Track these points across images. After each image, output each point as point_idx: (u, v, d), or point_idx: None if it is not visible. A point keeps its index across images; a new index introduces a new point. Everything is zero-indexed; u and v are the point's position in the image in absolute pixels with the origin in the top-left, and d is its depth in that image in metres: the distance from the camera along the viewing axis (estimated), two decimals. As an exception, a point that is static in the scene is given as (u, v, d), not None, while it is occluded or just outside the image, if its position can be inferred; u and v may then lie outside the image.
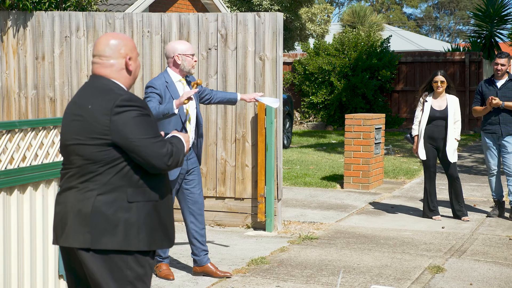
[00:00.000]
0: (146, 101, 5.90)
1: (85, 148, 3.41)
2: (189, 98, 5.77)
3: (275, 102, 6.79)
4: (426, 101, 8.89)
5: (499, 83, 9.00)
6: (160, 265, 6.35)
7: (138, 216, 3.42)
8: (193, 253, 6.37)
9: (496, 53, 24.75)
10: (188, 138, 3.69)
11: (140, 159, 3.40)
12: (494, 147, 8.99)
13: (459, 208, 9.01)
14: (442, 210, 9.33)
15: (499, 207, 9.20)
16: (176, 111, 5.78)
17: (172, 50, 6.11)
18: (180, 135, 3.66)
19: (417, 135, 8.92)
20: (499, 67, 8.96)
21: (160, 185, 3.52)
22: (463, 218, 8.96)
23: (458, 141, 8.89)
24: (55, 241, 3.55)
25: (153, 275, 6.15)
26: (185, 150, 3.62)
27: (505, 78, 9.03)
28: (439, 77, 8.84)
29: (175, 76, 6.14)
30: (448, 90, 8.94)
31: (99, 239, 3.36)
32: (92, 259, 3.39)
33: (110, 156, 3.39)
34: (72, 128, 3.47)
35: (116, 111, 3.37)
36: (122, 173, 3.41)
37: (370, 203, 10.12)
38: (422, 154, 8.88)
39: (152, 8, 16.51)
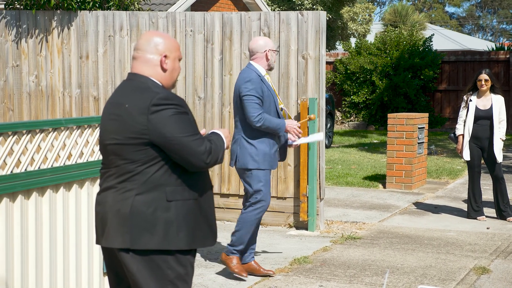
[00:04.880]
0: (249, 100, 6.06)
1: (123, 148, 3.41)
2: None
3: (318, 136, 6.88)
4: (471, 100, 8.77)
5: None
6: (232, 258, 6.29)
7: (177, 214, 3.40)
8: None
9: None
10: (228, 133, 3.66)
11: (178, 158, 3.38)
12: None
13: (504, 209, 8.87)
14: (486, 210, 9.19)
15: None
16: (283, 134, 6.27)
17: (263, 45, 6.23)
18: (220, 131, 3.64)
19: (462, 135, 8.80)
20: None
21: (200, 182, 3.50)
22: (508, 218, 8.83)
23: (503, 141, 8.75)
24: (97, 241, 3.56)
25: (228, 268, 6.24)
26: (225, 146, 3.60)
27: None
28: (483, 76, 8.71)
29: (262, 70, 6.23)
30: (493, 90, 8.80)
31: (139, 239, 3.35)
32: (132, 259, 3.38)
33: (148, 155, 3.38)
34: (110, 127, 3.47)
35: (153, 110, 3.35)
36: (161, 172, 3.39)
37: (413, 203, 10.02)
38: (466, 155, 8.76)
39: (193, 8, 16.57)
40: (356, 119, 22.86)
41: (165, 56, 3.51)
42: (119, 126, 3.41)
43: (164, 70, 3.52)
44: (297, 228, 8.24)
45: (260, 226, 8.31)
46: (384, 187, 11.34)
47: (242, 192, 8.10)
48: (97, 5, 9.46)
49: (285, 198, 8.28)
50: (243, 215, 6.26)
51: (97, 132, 5.16)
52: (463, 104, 8.84)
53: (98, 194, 3.55)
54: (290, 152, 8.16)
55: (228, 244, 6.34)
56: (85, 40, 8.90)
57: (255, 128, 6.09)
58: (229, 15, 8.37)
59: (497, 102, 8.72)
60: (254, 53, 6.24)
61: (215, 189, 8.35)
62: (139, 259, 3.37)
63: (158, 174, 3.39)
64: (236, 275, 6.26)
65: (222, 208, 8.45)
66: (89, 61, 8.88)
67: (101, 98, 8.83)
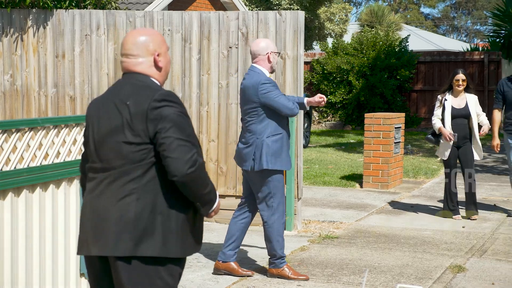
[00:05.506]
0: (275, 95, 6.05)
1: (123, 147, 3.29)
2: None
3: None
4: (446, 99, 8.82)
5: None
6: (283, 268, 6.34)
7: (177, 221, 3.30)
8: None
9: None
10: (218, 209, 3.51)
11: (163, 158, 3.24)
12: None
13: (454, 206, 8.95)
14: (462, 210, 9.26)
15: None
16: (308, 107, 6.37)
17: (265, 48, 6.19)
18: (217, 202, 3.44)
19: (441, 126, 8.74)
20: None
21: None
22: (474, 217, 8.90)
23: (489, 129, 8.76)
24: (85, 251, 3.37)
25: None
26: (216, 198, 3.41)
27: None
28: (461, 76, 8.77)
29: (266, 72, 6.20)
30: (467, 90, 8.87)
31: (140, 246, 3.24)
32: (126, 267, 3.26)
33: (148, 156, 3.26)
34: (107, 125, 3.34)
35: (154, 106, 3.25)
36: (162, 176, 3.27)
37: (389, 203, 10.07)
38: (445, 154, 8.78)
39: (171, 7, 16.53)
40: (333, 119, 22.94)
41: (158, 54, 3.42)
42: (119, 124, 3.29)
43: (159, 68, 3.43)
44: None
45: (238, 225, 8.30)
46: (361, 186, 11.38)
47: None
48: (73, 3, 9.40)
49: (262, 198, 8.27)
50: (271, 225, 6.25)
51: (74, 131, 5.12)
52: (437, 104, 8.88)
53: (88, 197, 3.38)
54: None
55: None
56: (61, 39, 8.83)
57: (295, 115, 6.17)
58: (207, 15, 8.35)
59: (471, 100, 8.79)
60: (256, 55, 6.20)
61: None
62: (133, 267, 3.26)
63: (159, 178, 3.27)
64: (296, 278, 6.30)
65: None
66: (65, 61, 8.82)
67: (78, 98, 8.77)
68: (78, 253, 3.45)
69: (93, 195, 3.37)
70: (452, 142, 8.64)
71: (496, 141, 8.96)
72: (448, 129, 8.66)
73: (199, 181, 3.29)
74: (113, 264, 3.30)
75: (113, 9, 10.08)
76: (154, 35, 3.45)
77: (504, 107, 9.03)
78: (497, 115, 9.09)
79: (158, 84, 3.42)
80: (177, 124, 3.26)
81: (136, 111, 3.27)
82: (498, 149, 8.99)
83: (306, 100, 6.32)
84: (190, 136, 3.29)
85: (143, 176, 3.27)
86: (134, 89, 3.34)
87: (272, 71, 6.24)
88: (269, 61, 6.18)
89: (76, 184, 5.12)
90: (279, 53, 6.39)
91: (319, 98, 6.29)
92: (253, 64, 6.22)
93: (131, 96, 3.31)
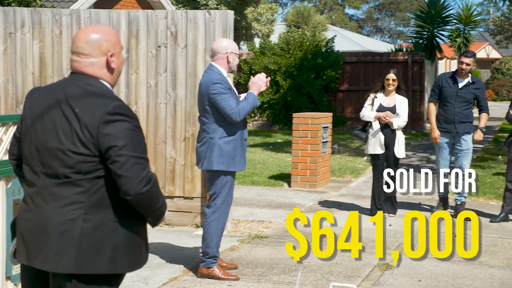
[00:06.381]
0: (223, 97, 5.98)
1: (70, 156, 3.09)
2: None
3: None
4: (376, 97, 8.96)
5: (461, 83, 8.96)
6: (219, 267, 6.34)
7: (125, 237, 3.16)
8: None
9: (437, 54, 25.22)
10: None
11: (116, 176, 3.08)
12: (447, 146, 9.06)
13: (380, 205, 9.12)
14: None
15: (444, 204, 9.34)
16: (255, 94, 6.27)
17: (225, 47, 6.16)
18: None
19: (376, 113, 8.84)
20: (464, 66, 8.85)
21: None
22: (390, 214, 9.07)
23: (399, 127, 8.88)
24: (24, 260, 3.20)
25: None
26: (165, 211, 3.33)
27: (467, 78, 8.99)
28: (391, 75, 8.92)
29: (223, 71, 6.16)
30: (398, 91, 9.02)
31: (85, 263, 3.09)
32: (67, 285, 3.11)
33: (97, 169, 3.10)
34: (54, 131, 3.13)
35: (107, 119, 3.05)
36: (110, 189, 3.12)
37: (318, 202, 10.17)
38: (374, 148, 8.88)
39: (96, 6, 16.30)
40: (260, 118, 23.03)
41: (111, 55, 3.22)
42: (67, 131, 3.09)
43: (112, 70, 3.23)
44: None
45: (167, 226, 8.26)
46: (289, 186, 11.46)
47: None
48: (-4, 0, 9.17)
49: (192, 198, 8.25)
50: (210, 223, 6.24)
51: (11, 130, 4.98)
52: (368, 102, 9.00)
53: (30, 201, 3.19)
54: (197, 151, 8.14)
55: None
56: (-16, 37, 8.59)
57: (236, 122, 6.09)
58: (135, 13, 8.27)
59: (401, 103, 8.92)
60: (215, 54, 6.18)
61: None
62: (73, 285, 3.11)
63: (108, 192, 3.11)
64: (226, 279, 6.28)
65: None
66: (-12, 59, 8.58)
67: (1, 97, 8.55)
68: (17, 261, 3.28)
69: (36, 202, 3.18)
70: (381, 136, 8.77)
71: (437, 132, 9.04)
72: (377, 125, 8.81)
73: (153, 197, 3.18)
74: (53, 280, 3.17)
75: (38, 7, 9.87)
76: (108, 33, 3.25)
77: (438, 102, 9.17)
78: (433, 107, 9.25)
79: (109, 87, 3.23)
80: (131, 141, 3.09)
81: (86, 122, 3.07)
82: (439, 140, 9.04)
83: (250, 93, 6.26)
84: (144, 152, 3.15)
85: (90, 189, 3.11)
86: (84, 95, 3.14)
87: (230, 71, 6.24)
88: (228, 61, 6.18)
89: (2, 186, 4.99)
90: (240, 55, 6.36)
91: (260, 79, 6.28)
92: (211, 63, 6.23)
93: (80, 103, 3.11)
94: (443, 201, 9.34)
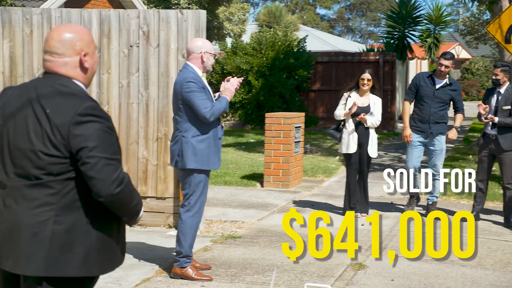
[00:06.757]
0: (197, 96, 5.98)
1: (41, 157, 3.06)
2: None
3: None
4: (350, 96, 8.99)
5: (438, 84, 8.99)
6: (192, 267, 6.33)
7: (97, 238, 3.13)
8: None
9: (408, 54, 25.40)
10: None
11: (87, 178, 3.05)
12: (419, 145, 9.10)
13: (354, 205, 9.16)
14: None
15: (414, 202, 9.39)
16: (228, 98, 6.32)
17: (199, 47, 6.18)
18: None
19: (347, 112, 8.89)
20: (443, 68, 8.88)
21: None
22: (362, 214, 9.12)
23: (373, 126, 8.92)
24: None
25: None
26: (141, 211, 3.30)
27: (445, 80, 9.02)
28: (366, 75, 8.95)
29: (198, 71, 6.16)
30: (372, 91, 9.06)
31: (56, 266, 3.05)
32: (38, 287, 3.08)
33: (68, 170, 3.07)
34: (25, 132, 3.09)
35: (78, 120, 3.03)
36: (82, 191, 3.09)
37: (291, 202, 10.18)
38: (348, 147, 8.91)
39: (67, 5, 16.17)
40: (232, 118, 23.02)
41: (85, 54, 3.20)
42: (38, 131, 3.05)
43: (85, 69, 3.21)
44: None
45: (140, 226, 8.22)
46: (262, 186, 11.46)
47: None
48: (-35, -1, 9.05)
49: (165, 198, 8.21)
50: (184, 221, 6.24)
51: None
52: (342, 101, 9.03)
53: None
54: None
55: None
56: (-47, 36, 8.48)
57: (209, 122, 6.07)
58: (107, 13, 8.21)
59: (375, 103, 8.96)
60: (190, 53, 6.19)
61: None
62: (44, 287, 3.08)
63: (79, 193, 3.08)
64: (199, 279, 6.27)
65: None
66: (-43, 58, 8.47)
67: (-29, 97, 8.43)
68: None
69: (7, 204, 3.15)
70: (355, 135, 8.80)
71: (408, 131, 9.09)
72: (351, 125, 8.84)
73: (127, 197, 3.16)
74: (24, 282, 3.13)
75: (8, 5, 9.76)
76: (82, 33, 3.22)
77: (414, 102, 9.23)
78: (408, 106, 9.31)
79: (83, 87, 3.20)
80: (102, 142, 3.06)
81: (57, 124, 3.04)
82: (410, 139, 9.08)
83: (224, 97, 6.29)
84: (116, 153, 3.12)
85: (61, 191, 3.08)
86: (56, 96, 3.10)
87: (205, 71, 6.24)
88: (202, 61, 6.19)
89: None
90: (215, 55, 6.36)
91: (233, 84, 6.34)
92: (186, 62, 6.24)
93: (52, 103, 3.08)
94: (417, 199, 9.41)
